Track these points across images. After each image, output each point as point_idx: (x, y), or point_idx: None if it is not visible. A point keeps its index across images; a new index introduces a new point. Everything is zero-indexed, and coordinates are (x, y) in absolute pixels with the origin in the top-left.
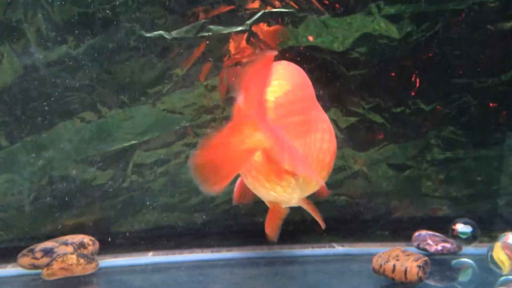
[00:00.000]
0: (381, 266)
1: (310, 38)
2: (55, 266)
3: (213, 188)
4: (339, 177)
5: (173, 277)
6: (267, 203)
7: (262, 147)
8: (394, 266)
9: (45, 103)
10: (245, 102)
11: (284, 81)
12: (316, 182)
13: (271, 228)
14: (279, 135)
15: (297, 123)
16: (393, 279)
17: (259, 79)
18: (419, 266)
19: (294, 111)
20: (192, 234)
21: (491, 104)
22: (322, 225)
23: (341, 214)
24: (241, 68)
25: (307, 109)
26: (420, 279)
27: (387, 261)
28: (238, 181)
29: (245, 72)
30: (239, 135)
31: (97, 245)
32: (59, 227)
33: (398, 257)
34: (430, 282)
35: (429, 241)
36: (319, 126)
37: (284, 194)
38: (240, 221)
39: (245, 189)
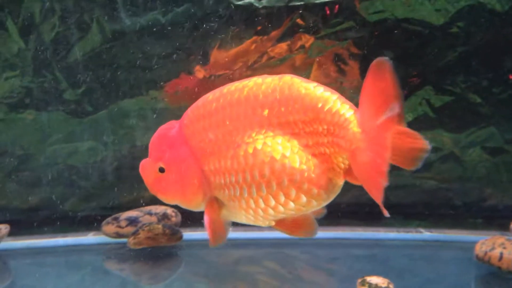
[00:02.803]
0: (485, 253)
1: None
2: (142, 235)
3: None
4: (428, 159)
5: (251, 253)
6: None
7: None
8: (501, 254)
9: (131, 70)
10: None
11: None
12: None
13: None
14: None
15: None
16: (499, 267)
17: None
18: None
19: None
20: None
21: None
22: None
23: (429, 199)
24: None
25: None
26: None
27: (493, 248)
28: (208, 221)
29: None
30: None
31: (179, 217)
32: (139, 198)
33: (505, 245)
34: None
35: None
36: None
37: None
38: None
39: (217, 227)
